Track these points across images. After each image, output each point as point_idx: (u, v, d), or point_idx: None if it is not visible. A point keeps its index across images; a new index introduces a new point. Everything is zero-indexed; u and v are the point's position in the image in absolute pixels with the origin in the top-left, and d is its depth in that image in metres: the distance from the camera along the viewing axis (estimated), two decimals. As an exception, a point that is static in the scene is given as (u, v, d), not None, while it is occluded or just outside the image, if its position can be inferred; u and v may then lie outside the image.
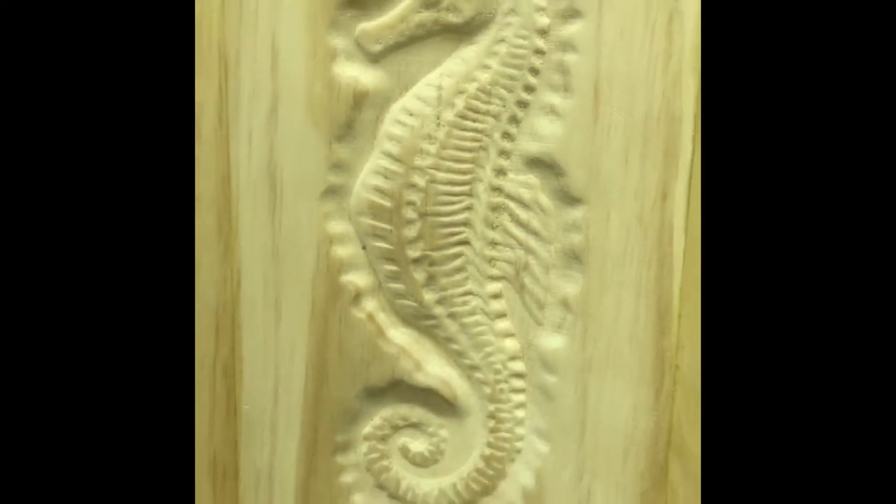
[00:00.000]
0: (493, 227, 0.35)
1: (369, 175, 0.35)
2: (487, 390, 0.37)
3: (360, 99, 0.34)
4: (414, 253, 0.35)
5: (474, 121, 0.34)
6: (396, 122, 0.34)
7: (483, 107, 0.34)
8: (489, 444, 0.37)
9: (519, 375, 0.36)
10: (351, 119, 0.35)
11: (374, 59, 0.34)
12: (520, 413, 0.37)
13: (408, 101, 0.34)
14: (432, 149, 0.34)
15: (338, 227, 0.36)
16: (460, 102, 0.34)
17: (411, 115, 0.34)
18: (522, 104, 0.34)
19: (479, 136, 0.34)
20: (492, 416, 0.37)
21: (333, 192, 0.35)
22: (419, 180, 0.34)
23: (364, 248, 0.36)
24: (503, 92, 0.34)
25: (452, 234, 0.35)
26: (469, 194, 0.35)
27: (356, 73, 0.34)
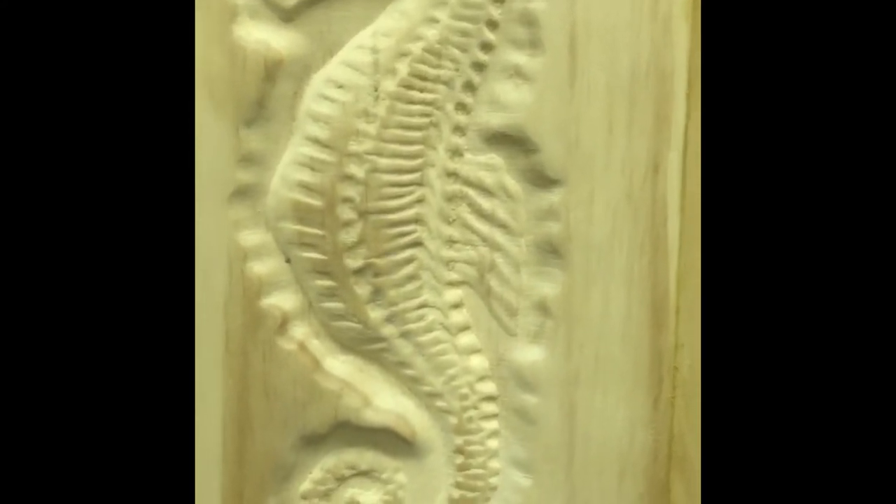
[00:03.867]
0: (449, 221, 0.29)
1: (291, 168, 0.27)
2: (453, 420, 0.30)
3: (272, 69, 0.27)
4: (354, 262, 0.28)
5: (422, 90, 0.27)
6: (322, 97, 0.27)
7: (432, 72, 0.27)
8: (458, 485, 0.30)
9: (490, 398, 0.30)
10: (262, 96, 0.27)
11: (288, 16, 0.27)
12: (493, 443, 0.30)
13: (335, 69, 0.27)
14: (371, 129, 0.27)
15: (252, 237, 0.28)
16: (403, 68, 0.27)
17: (341, 87, 0.27)
18: (479, 66, 0.27)
19: (428, 109, 0.27)
20: (459, 450, 0.30)
21: (244, 194, 0.28)
22: (356, 170, 0.27)
23: (288, 261, 0.28)
24: (455, 52, 0.27)
25: (402, 235, 0.28)
26: (419, 183, 0.28)
27: (265, 36, 0.26)
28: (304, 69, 0.27)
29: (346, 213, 0.27)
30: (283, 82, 0.27)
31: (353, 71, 0.27)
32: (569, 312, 0.29)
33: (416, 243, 0.28)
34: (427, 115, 0.27)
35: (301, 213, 0.28)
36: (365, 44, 0.27)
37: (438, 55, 0.27)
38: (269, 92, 0.27)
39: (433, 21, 0.27)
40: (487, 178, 0.28)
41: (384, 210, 0.28)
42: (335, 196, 0.27)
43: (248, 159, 0.27)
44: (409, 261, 0.28)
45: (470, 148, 0.28)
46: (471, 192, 0.28)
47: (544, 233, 0.28)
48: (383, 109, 0.27)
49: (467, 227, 0.29)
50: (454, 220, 0.29)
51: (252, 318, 0.28)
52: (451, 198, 0.28)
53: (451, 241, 0.29)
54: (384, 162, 0.27)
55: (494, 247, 0.29)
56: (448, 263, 0.29)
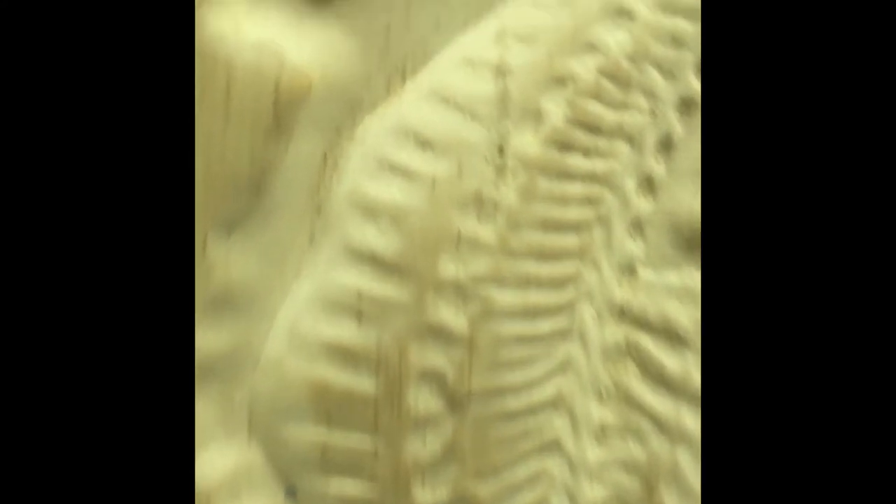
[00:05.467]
0: (602, 398, 0.15)
1: (312, 312, 0.13)
2: None
3: (286, 106, 0.12)
4: (432, 495, 0.14)
5: (587, 153, 0.13)
6: (386, 167, 0.13)
7: (609, 116, 0.13)
8: None
9: None
10: (263, 161, 0.12)
11: (322, -6, 0.12)
12: None
13: (415, 108, 0.13)
14: (487, 233, 0.13)
15: (224, 459, 0.13)
16: (556, 109, 0.13)
17: (427, 144, 0.13)
18: (687, 105, 0.14)
19: (596, 190, 0.14)
20: None
21: (211, 371, 0.13)
22: (452, 317, 0.13)
23: (293, 495, 0.14)
24: (655, 75, 0.14)
25: (526, 436, 0.14)
26: (565, 333, 0.14)
27: (278, 35, 0.12)
28: (349, 105, 0.13)
29: (426, 400, 0.13)
30: (304, 134, 0.12)
31: (454, 113, 0.13)
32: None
33: (551, 446, 0.15)
34: (594, 201, 0.14)
35: (330, 405, 0.13)
36: (482, 56, 0.13)
37: (626, 82, 0.13)
38: (274, 153, 0.12)
39: (626, 14, 0.13)
40: (680, 315, 0.15)
41: (500, 390, 0.14)
42: (406, 369, 0.13)
43: (221, 301, 0.13)
44: (531, 483, 0.15)
45: (650, 259, 0.15)
46: (644, 341, 0.15)
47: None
48: (514, 192, 0.13)
49: (632, 404, 0.15)
50: (609, 395, 0.15)
51: None
52: (609, 355, 0.15)
53: (601, 433, 0.15)
54: (507, 300, 0.13)
55: (677, 437, 0.15)
56: (593, 477, 0.15)
